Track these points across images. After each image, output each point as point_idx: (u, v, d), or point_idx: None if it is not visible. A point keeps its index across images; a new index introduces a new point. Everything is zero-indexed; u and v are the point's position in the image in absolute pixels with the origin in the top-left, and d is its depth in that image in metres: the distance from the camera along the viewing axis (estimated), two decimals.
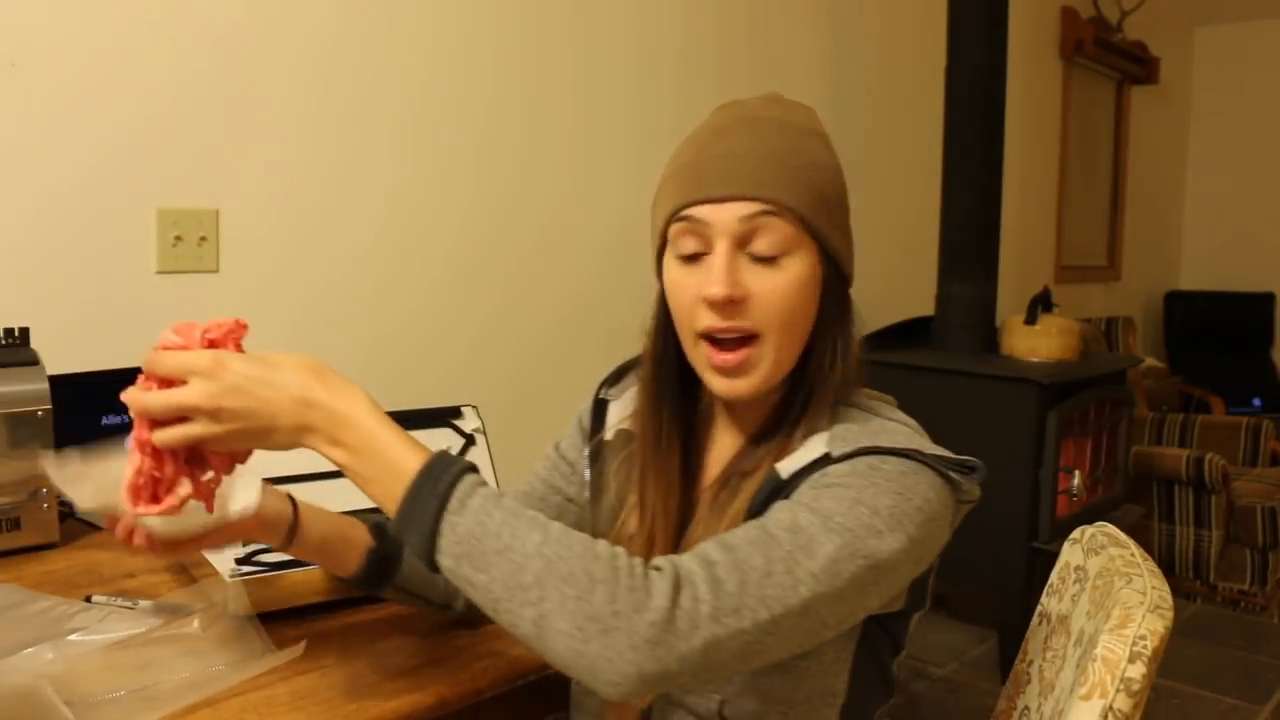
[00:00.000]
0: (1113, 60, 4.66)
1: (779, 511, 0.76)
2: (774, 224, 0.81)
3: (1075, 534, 1.15)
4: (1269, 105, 5.26)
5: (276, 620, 1.06)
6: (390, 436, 0.73)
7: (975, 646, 3.00)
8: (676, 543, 0.91)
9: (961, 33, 2.94)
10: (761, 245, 0.82)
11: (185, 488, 0.77)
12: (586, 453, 1.01)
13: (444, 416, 1.42)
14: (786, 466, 0.83)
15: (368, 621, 1.07)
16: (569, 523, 1.03)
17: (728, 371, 0.84)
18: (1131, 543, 1.06)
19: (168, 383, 0.76)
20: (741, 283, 0.82)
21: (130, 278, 1.68)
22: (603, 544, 0.70)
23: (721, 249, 0.82)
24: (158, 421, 0.76)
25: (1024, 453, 2.66)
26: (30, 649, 0.92)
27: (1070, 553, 1.14)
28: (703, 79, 2.64)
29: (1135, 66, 4.81)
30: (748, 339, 0.83)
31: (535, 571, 0.67)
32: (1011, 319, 2.97)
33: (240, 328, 0.79)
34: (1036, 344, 2.89)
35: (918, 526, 0.76)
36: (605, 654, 0.65)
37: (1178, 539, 3.51)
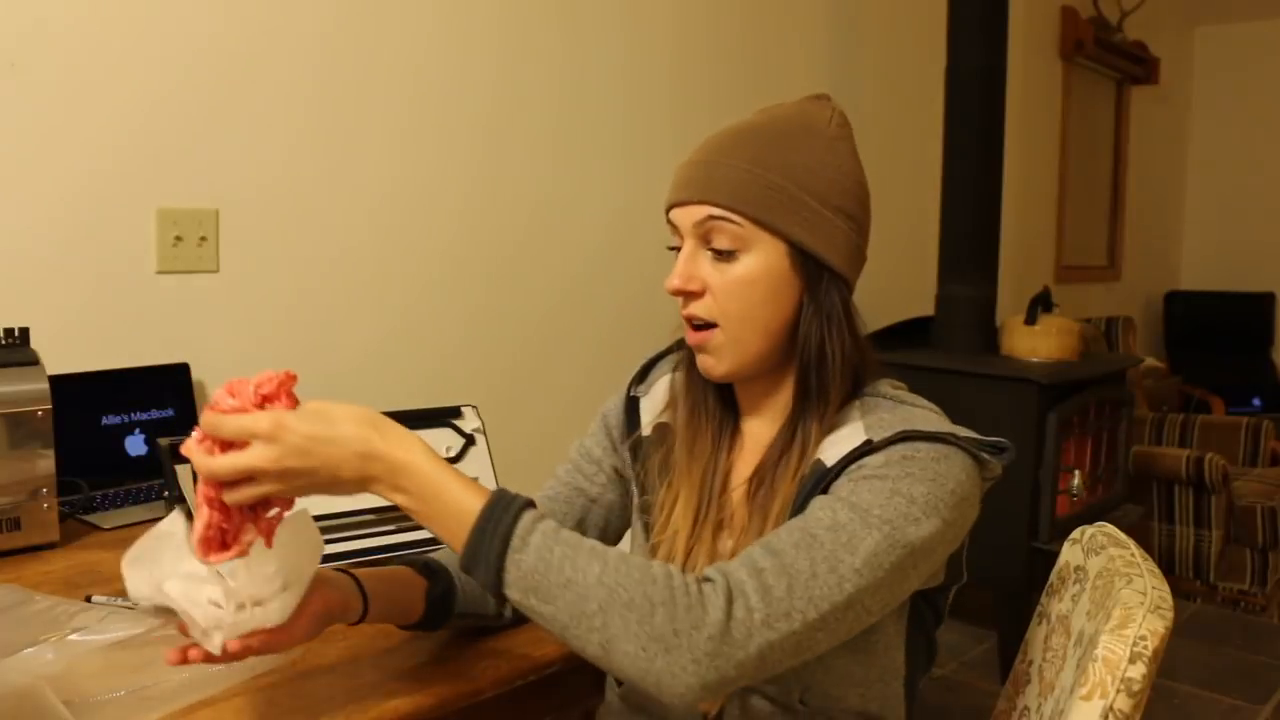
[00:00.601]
0: (1113, 60, 4.66)
1: (819, 510, 0.81)
2: (723, 225, 0.90)
3: (1075, 534, 1.15)
4: (1269, 105, 5.26)
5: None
6: (449, 480, 0.78)
7: (975, 646, 3.00)
8: (707, 529, 0.95)
9: (961, 32, 2.94)
10: (717, 244, 0.90)
11: (250, 534, 0.80)
12: (626, 451, 1.07)
13: (444, 416, 1.42)
14: (832, 454, 0.88)
15: (367, 622, 1.07)
16: (594, 524, 1.08)
17: (698, 349, 0.94)
18: (1131, 543, 1.06)
19: (229, 443, 0.78)
20: (698, 276, 0.91)
21: (130, 278, 1.68)
22: (658, 565, 0.76)
23: (687, 246, 0.92)
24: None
25: (1024, 453, 2.66)
26: (30, 649, 0.92)
27: (1070, 553, 1.14)
28: (697, 77, 2.63)
29: (1135, 66, 4.81)
30: (710, 325, 0.92)
31: (599, 600, 0.73)
32: (1011, 319, 2.97)
33: (290, 379, 0.81)
34: (1036, 344, 2.89)
35: (950, 509, 0.83)
36: (670, 670, 0.72)
37: (1178, 539, 3.51)
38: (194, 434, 0.80)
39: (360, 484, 0.78)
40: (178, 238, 1.72)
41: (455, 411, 1.43)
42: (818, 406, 0.91)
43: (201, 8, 1.73)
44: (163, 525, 0.81)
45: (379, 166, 2.01)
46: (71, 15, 1.59)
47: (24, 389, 1.29)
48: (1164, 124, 5.32)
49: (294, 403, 0.80)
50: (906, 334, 3.12)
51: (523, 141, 2.26)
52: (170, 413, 1.67)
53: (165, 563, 0.80)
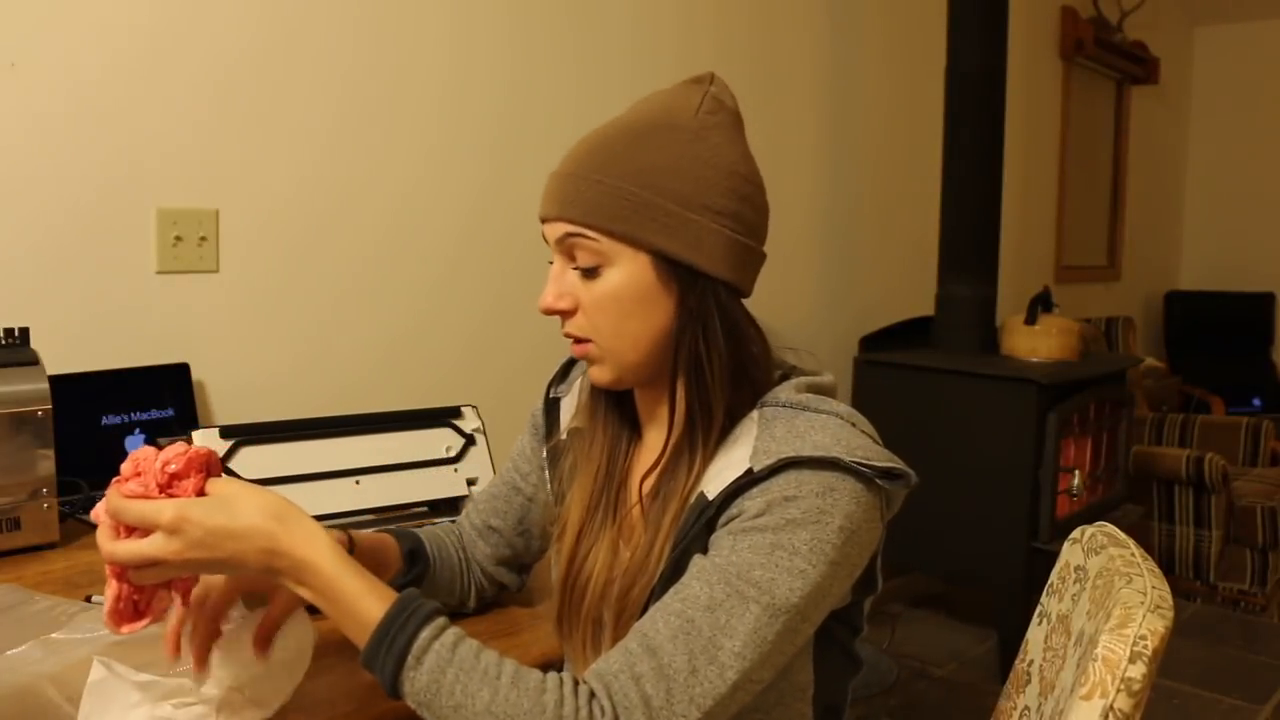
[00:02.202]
0: (1113, 60, 4.66)
1: (696, 582, 0.79)
2: (581, 242, 0.86)
3: (1075, 534, 1.14)
4: (1269, 105, 5.26)
5: None
6: (351, 583, 0.78)
7: (975, 646, 3.00)
8: (604, 534, 0.94)
9: (961, 33, 2.94)
10: (580, 261, 0.87)
11: (163, 600, 0.82)
12: (545, 456, 1.05)
13: (444, 416, 1.42)
14: (714, 485, 0.83)
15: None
16: (535, 522, 1.08)
17: (584, 360, 0.91)
18: (1131, 542, 1.06)
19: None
20: (567, 293, 0.89)
21: (130, 278, 1.68)
22: (551, 690, 0.74)
23: (556, 263, 0.90)
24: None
25: (1024, 453, 2.66)
26: (29, 649, 0.92)
27: (1070, 552, 1.14)
28: None
29: (1135, 66, 4.81)
30: (580, 339, 0.90)
31: None
32: (1011, 319, 2.97)
33: (200, 457, 0.80)
34: (1036, 344, 2.89)
35: (838, 549, 0.79)
36: None
37: (1178, 539, 3.51)
38: (100, 505, 0.79)
39: (264, 572, 0.79)
40: (178, 238, 1.72)
41: (455, 411, 1.43)
42: (702, 417, 0.87)
43: (202, 8, 1.73)
44: (91, 678, 0.81)
45: (381, 167, 2.01)
46: (71, 15, 1.59)
47: (24, 389, 1.29)
48: (1164, 124, 5.32)
49: (203, 480, 0.79)
50: (906, 334, 3.12)
51: (527, 145, 2.26)
52: (170, 413, 1.67)
53: (115, 713, 0.80)
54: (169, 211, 1.71)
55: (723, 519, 0.82)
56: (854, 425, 0.85)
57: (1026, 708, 1.08)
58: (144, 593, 0.81)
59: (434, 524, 1.14)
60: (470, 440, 1.42)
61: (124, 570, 0.78)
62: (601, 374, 0.90)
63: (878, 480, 0.81)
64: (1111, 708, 0.83)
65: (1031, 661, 1.12)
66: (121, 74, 1.65)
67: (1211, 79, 5.47)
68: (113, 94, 1.64)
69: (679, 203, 0.85)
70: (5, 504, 1.27)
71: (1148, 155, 5.17)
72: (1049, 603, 1.14)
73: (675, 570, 0.82)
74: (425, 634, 0.75)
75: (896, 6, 3.38)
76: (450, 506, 1.39)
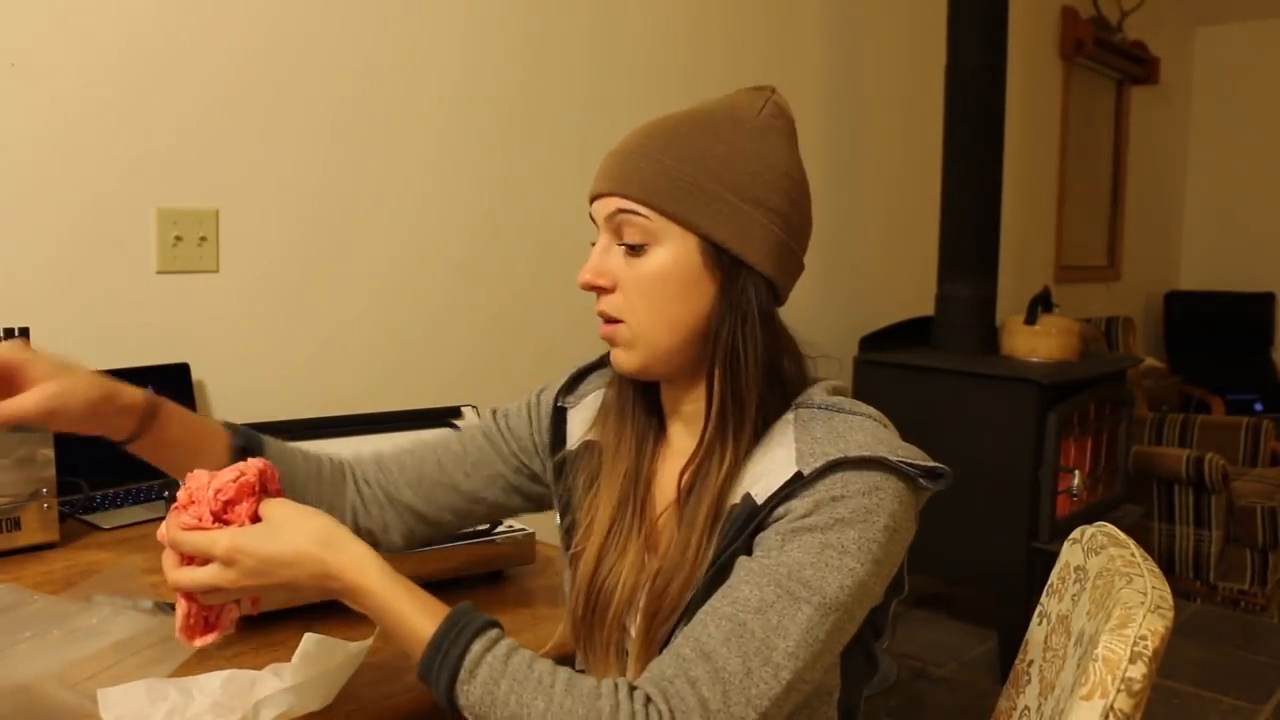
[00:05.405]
0: (1113, 60, 4.66)
1: (746, 585, 0.79)
2: (631, 219, 0.86)
3: (1075, 534, 1.15)
4: (1269, 105, 5.26)
5: (276, 620, 1.07)
6: (402, 603, 0.79)
7: (975, 646, 3.00)
8: (631, 541, 0.92)
9: (961, 32, 2.94)
10: (627, 237, 0.87)
11: (233, 610, 0.86)
12: (550, 468, 1.03)
13: (444, 416, 1.42)
14: (762, 488, 0.83)
15: (367, 621, 1.07)
16: (494, 495, 1.05)
17: (609, 343, 0.90)
18: (1131, 543, 1.06)
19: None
20: (608, 271, 0.88)
21: (130, 278, 1.68)
22: (606, 696, 0.74)
23: (600, 240, 0.90)
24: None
25: (1024, 453, 2.66)
26: (30, 649, 0.92)
27: (1070, 553, 1.14)
28: (708, 84, 2.63)
29: (1135, 66, 4.81)
30: (618, 320, 0.89)
31: None
32: (1011, 319, 2.97)
33: (249, 485, 0.83)
34: (1036, 344, 2.89)
35: (882, 546, 0.80)
36: None
37: (1178, 539, 3.51)
38: (163, 528, 0.83)
39: (320, 593, 0.82)
40: (178, 238, 1.72)
41: (455, 411, 1.43)
42: (734, 412, 0.86)
43: (202, 7, 1.73)
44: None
45: (383, 167, 2.01)
46: (72, 15, 1.59)
47: None
48: (1164, 124, 5.32)
49: (256, 504, 0.83)
50: (906, 334, 3.12)
51: (534, 149, 2.26)
52: None
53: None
54: (169, 211, 1.71)
55: (770, 520, 0.82)
56: (886, 427, 0.87)
57: (1026, 708, 1.08)
58: (213, 608, 0.84)
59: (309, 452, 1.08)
60: None
61: (182, 590, 0.82)
62: (629, 359, 0.89)
63: (920, 479, 0.83)
64: (1111, 708, 0.83)
65: (1031, 661, 1.12)
66: (121, 74, 1.65)
67: (1211, 79, 5.47)
68: (112, 94, 1.64)
69: (733, 191, 0.86)
70: (5, 504, 1.27)
71: (1148, 155, 5.17)
72: (1049, 603, 1.14)
73: (719, 573, 0.82)
74: (477, 647, 0.76)
75: (897, 6, 3.39)
76: None
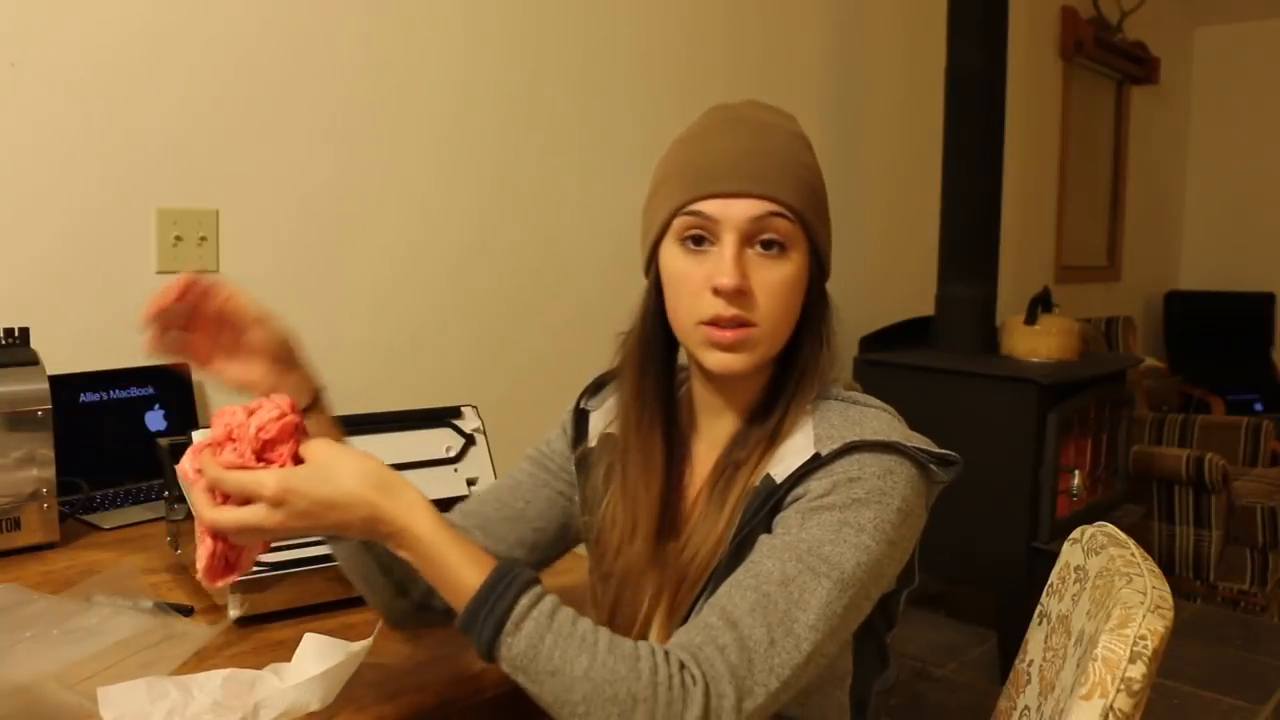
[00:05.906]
0: (1113, 60, 4.66)
1: (768, 559, 0.81)
2: (779, 223, 0.87)
3: (1075, 534, 1.15)
4: (1269, 105, 5.26)
5: (276, 621, 1.07)
6: (451, 550, 0.79)
7: (975, 646, 3.00)
8: (659, 527, 0.94)
9: (961, 33, 2.94)
10: (767, 241, 0.87)
11: (254, 551, 0.84)
12: (573, 462, 1.05)
13: (444, 416, 1.42)
14: (781, 469, 0.87)
15: (367, 621, 1.07)
16: (556, 516, 1.05)
17: (726, 347, 0.88)
18: (1131, 542, 1.06)
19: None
20: (746, 275, 0.87)
21: (130, 278, 1.68)
22: (645, 658, 0.75)
23: (730, 241, 0.86)
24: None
25: (1024, 453, 2.66)
26: (30, 649, 0.92)
27: (1070, 553, 1.14)
28: (709, 87, 2.63)
29: (1135, 66, 4.81)
30: (747, 323, 0.88)
31: (583, 692, 0.74)
32: (1011, 319, 2.97)
33: (291, 422, 0.81)
34: (1036, 344, 2.89)
35: (896, 528, 0.83)
36: None
37: (1178, 539, 3.51)
38: (188, 460, 0.80)
39: (369, 537, 0.81)
40: (178, 238, 1.72)
41: (455, 411, 1.43)
42: (791, 405, 0.91)
43: (202, 8, 1.73)
44: None
45: (383, 167, 2.01)
46: (72, 15, 1.59)
47: (24, 389, 1.29)
48: (1164, 124, 5.32)
49: (297, 445, 0.80)
50: (906, 334, 3.12)
51: (534, 149, 2.26)
52: (170, 413, 1.67)
53: None
54: (169, 211, 1.71)
55: (788, 500, 0.85)
56: (898, 419, 0.91)
57: (1026, 708, 1.08)
58: (235, 549, 0.82)
59: None
60: (470, 440, 1.42)
61: (218, 530, 0.79)
62: (747, 360, 0.89)
63: (932, 466, 0.86)
64: (1111, 708, 0.84)
65: (1031, 661, 1.12)
66: (122, 74, 1.65)
67: (1211, 79, 5.47)
68: (113, 94, 1.64)
69: (825, 204, 0.92)
70: (5, 504, 1.27)
71: (1148, 155, 5.17)
72: (1049, 603, 1.14)
73: (740, 549, 0.85)
74: (525, 601, 0.76)
75: (896, 6, 3.38)
76: (449, 507, 1.38)
